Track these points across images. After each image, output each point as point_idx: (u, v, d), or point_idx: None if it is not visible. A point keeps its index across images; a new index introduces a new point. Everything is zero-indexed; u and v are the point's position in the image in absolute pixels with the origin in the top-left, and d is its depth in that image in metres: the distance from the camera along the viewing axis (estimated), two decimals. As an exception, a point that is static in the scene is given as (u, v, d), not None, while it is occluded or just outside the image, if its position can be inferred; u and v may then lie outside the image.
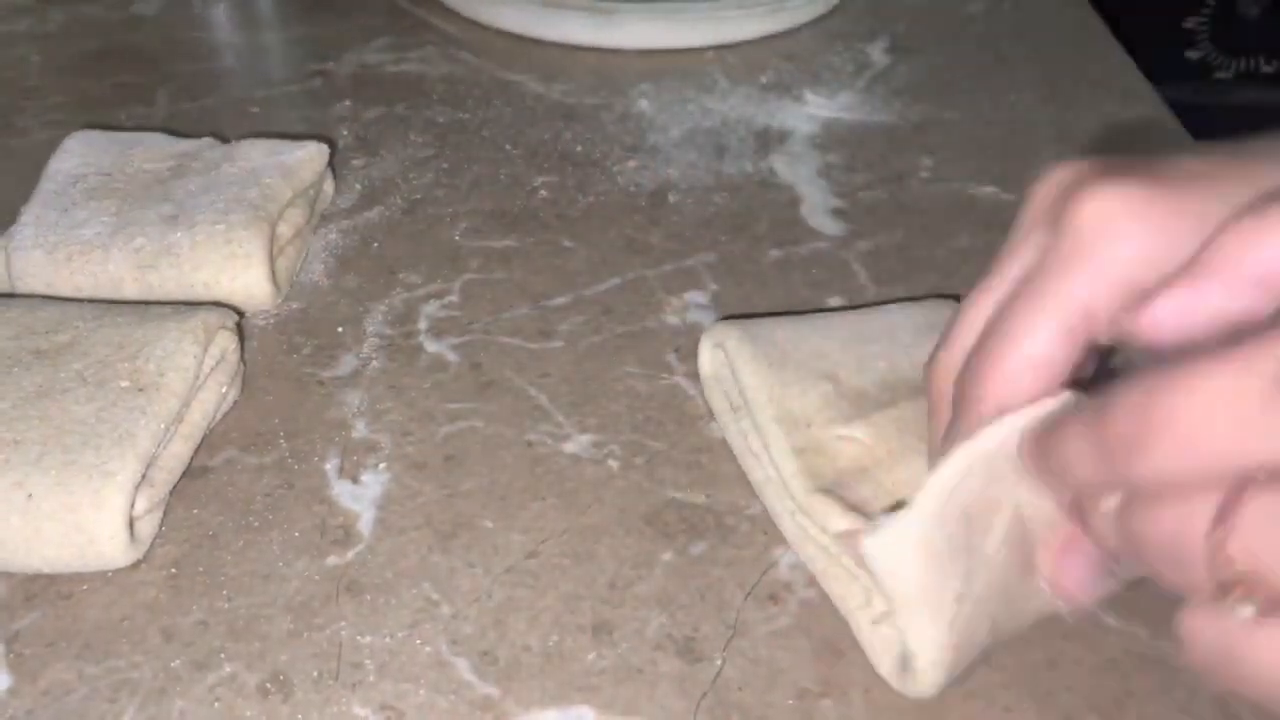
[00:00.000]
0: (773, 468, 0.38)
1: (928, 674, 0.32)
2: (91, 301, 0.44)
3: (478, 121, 0.62)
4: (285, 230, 0.49)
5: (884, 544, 0.29)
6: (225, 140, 0.53)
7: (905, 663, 0.33)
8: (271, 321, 0.48)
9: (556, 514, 0.40)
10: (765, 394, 0.39)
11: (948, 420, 0.31)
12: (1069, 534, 0.29)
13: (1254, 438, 0.22)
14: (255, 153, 0.51)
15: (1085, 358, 0.29)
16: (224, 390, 0.43)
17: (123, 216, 0.47)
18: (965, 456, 0.29)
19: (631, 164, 0.58)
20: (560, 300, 0.49)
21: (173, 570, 0.38)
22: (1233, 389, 0.22)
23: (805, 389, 0.38)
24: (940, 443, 0.32)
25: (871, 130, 0.61)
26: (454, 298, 0.49)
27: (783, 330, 0.41)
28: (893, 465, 0.36)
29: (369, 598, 0.37)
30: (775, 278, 0.51)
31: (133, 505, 0.37)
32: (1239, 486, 0.22)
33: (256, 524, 0.39)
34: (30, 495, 0.36)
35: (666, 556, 0.38)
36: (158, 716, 0.33)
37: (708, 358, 0.43)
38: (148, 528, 0.38)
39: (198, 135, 0.53)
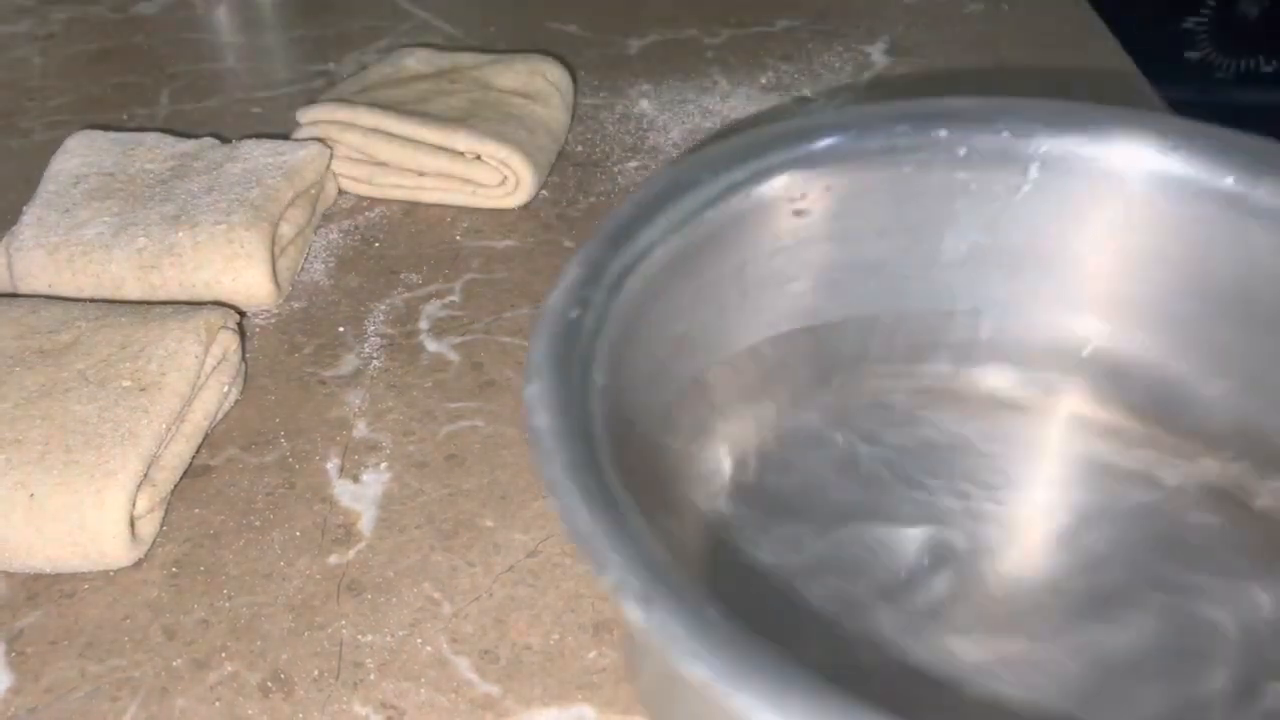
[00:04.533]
0: None
1: None
2: (94, 301, 0.44)
3: (479, 122, 0.62)
4: (287, 230, 0.49)
5: None
6: (227, 140, 0.53)
7: None
8: (273, 321, 0.48)
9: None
10: None
11: None
12: None
13: None
14: (257, 153, 0.51)
15: None
16: (225, 390, 0.43)
17: (124, 217, 0.47)
18: None
19: (631, 164, 0.58)
20: (561, 300, 0.49)
21: (174, 569, 0.38)
22: None
23: None
24: None
25: (872, 131, 0.61)
26: (455, 297, 0.50)
27: None
28: None
29: (370, 597, 0.37)
30: (775, 278, 0.51)
31: (134, 504, 0.37)
32: None
33: (258, 523, 0.39)
34: (32, 495, 0.36)
35: (666, 555, 0.38)
36: (159, 715, 0.33)
37: None
38: (149, 527, 0.38)
39: (199, 135, 0.53)
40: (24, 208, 0.48)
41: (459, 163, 0.53)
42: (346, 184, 0.55)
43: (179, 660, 0.35)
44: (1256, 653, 0.32)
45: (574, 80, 0.61)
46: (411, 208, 0.55)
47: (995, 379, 0.39)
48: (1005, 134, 0.36)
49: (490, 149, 0.52)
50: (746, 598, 0.34)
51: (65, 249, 0.46)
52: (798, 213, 0.36)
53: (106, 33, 0.71)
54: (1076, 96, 0.63)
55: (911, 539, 0.35)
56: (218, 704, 0.34)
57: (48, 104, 0.63)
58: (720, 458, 0.37)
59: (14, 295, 0.46)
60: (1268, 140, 0.34)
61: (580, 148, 0.60)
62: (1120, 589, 0.34)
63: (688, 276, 0.34)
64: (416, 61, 0.60)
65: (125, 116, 0.62)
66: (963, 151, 0.36)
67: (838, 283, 0.38)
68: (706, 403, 0.37)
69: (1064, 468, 0.38)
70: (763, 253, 0.36)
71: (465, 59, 0.60)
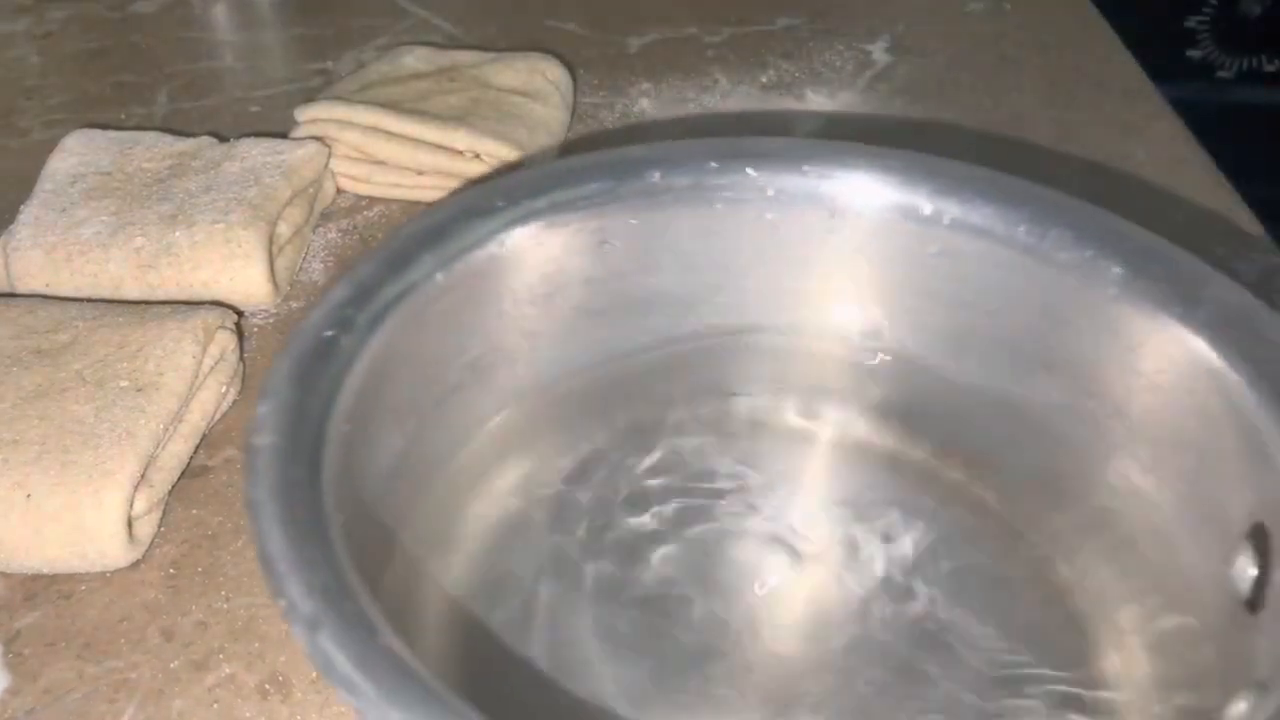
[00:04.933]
0: None
1: None
2: (91, 301, 0.44)
3: (478, 121, 0.62)
4: (285, 229, 0.49)
5: None
6: (225, 139, 0.52)
7: None
8: (271, 321, 0.48)
9: (556, 514, 0.39)
10: None
11: None
12: None
13: None
14: (255, 152, 0.51)
15: None
16: (223, 390, 0.42)
17: (122, 216, 0.47)
18: None
19: (632, 163, 0.58)
20: (560, 300, 0.49)
21: (172, 570, 0.38)
22: None
23: None
24: None
25: (872, 130, 0.61)
26: (454, 297, 0.49)
27: None
28: None
29: (369, 598, 0.37)
30: (776, 277, 0.50)
31: (132, 505, 0.37)
32: None
33: (256, 524, 0.39)
34: (30, 495, 0.36)
35: (666, 556, 0.38)
36: (157, 716, 0.33)
37: None
38: (147, 528, 0.38)
39: (197, 134, 0.53)
40: (21, 207, 0.48)
41: (458, 161, 0.53)
42: (345, 183, 0.55)
43: (177, 662, 0.35)
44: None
45: (574, 79, 0.61)
46: (410, 207, 0.55)
47: (803, 415, 0.40)
48: (810, 175, 0.36)
49: (489, 147, 0.52)
50: (482, 653, 0.33)
51: (62, 248, 0.46)
52: (604, 244, 0.36)
53: (104, 31, 0.70)
54: (1078, 95, 0.63)
55: (672, 596, 0.35)
56: (215, 706, 0.34)
57: (45, 103, 0.63)
58: (502, 490, 0.37)
59: (11, 295, 0.46)
60: (1057, 193, 0.35)
61: (580, 147, 0.59)
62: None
63: (480, 302, 0.34)
64: (415, 60, 0.60)
65: (123, 115, 0.62)
66: (771, 192, 0.36)
67: (650, 316, 0.38)
68: (504, 432, 0.37)
69: (848, 498, 0.39)
70: (569, 282, 0.36)
71: (464, 57, 0.60)
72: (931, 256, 0.36)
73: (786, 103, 0.63)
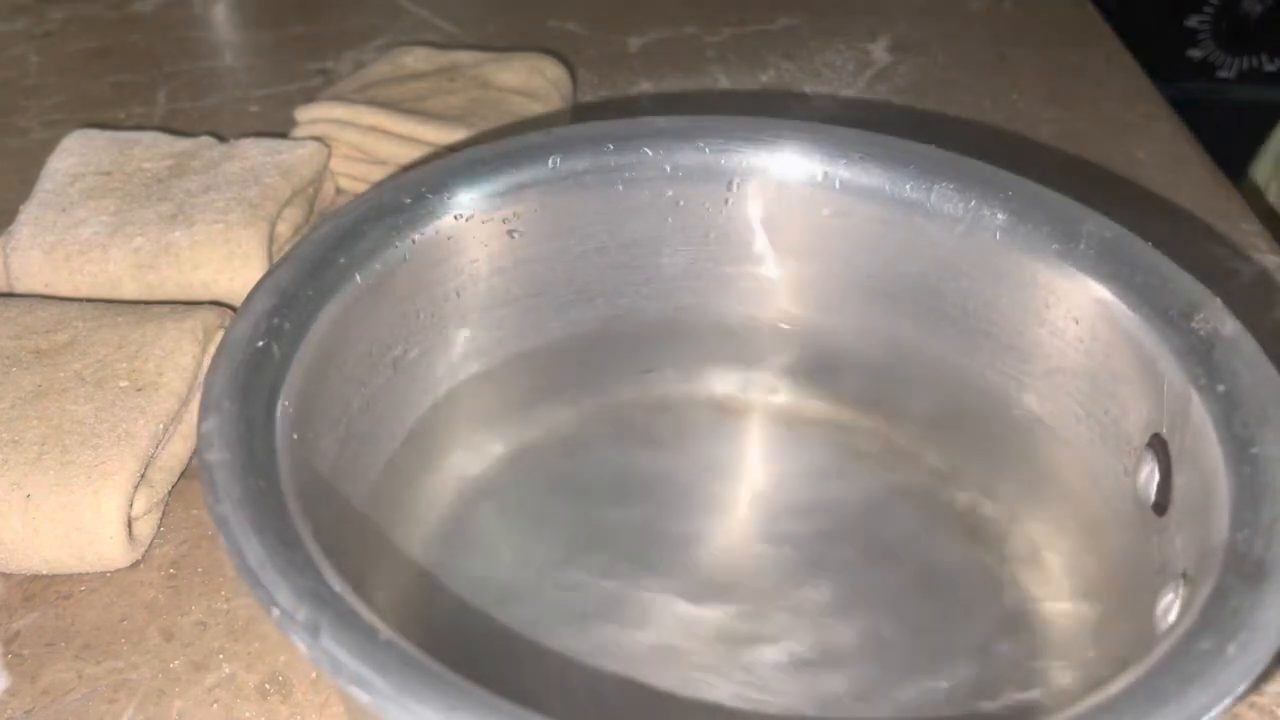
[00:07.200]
0: None
1: None
2: (90, 301, 0.44)
3: (478, 120, 0.62)
4: (284, 229, 0.49)
5: None
6: (224, 139, 0.52)
7: None
8: (271, 321, 0.48)
9: (556, 514, 0.39)
10: None
11: None
12: None
13: None
14: (254, 152, 0.50)
15: None
16: (223, 390, 0.42)
17: (121, 216, 0.47)
18: None
19: (632, 163, 0.58)
20: (560, 300, 0.49)
21: (172, 570, 0.38)
22: None
23: None
24: None
25: (872, 129, 0.61)
26: (454, 297, 0.49)
27: None
28: None
29: (368, 598, 0.37)
30: (776, 277, 0.50)
31: (131, 505, 0.37)
32: None
33: (256, 524, 0.39)
34: (29, 496, 0.36)
35: (666, 557, 0.38)
36: (156, 717, 0.33)
37: None
38: (147, 528, 0.38)
39: (197, 134, 0.53)
40: (20, 207, 0.48)
41: None
42: (345, 183, 0.55)
43: (176, 662, 0.35)
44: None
45: (574, 79, 0.61)
46: (410, 207, 0.55)
47: (719, 383, 0.41)
48: (706, 150, 0.37)
49: None
50: (457, 630, 0.34)
51: (62, 248, 0.46)
52: (512, 234, 0.36)
53: (104, 31, 0.70)
54: (1078, 95, 0.63)
55: (627, 565, 0.36)
56: (215, 706, 0.34)
57: (45, 103, 0.63)
58: (437, 487, 0.38)
59: (10, 295, 0.46)
60: (938, 150, 0.37)
61: (580, 146, 0.59)
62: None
63: (396, 301, 0.34)
64: (415, 60, 0.60)
65: (123, 115, 0.62)
66: (669, 169, 0.37)
67: (562, 301, 0.39)
68: (430, 429, 0.37)
69: (773, 462, 0.41)
70: (480, 274, 0.37)
71: (464, 57, 0.60)
72: (826, 219, 0.38)
73: (787, 103, 0.63)
